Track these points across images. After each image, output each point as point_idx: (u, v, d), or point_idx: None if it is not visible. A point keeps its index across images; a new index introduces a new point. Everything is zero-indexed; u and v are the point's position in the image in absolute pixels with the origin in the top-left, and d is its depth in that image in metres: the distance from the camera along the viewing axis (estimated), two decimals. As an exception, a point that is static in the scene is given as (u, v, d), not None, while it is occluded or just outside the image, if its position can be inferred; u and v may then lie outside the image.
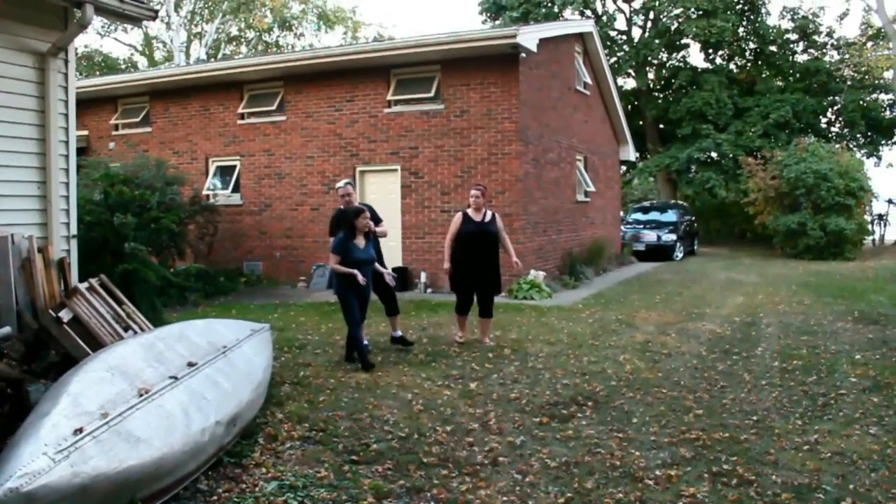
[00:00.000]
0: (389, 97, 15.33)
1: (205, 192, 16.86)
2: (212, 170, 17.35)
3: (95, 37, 42.04)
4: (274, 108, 16.53)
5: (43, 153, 6.63)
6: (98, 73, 35.43)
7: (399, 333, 9.22)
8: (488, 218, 9.19)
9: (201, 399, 4.76)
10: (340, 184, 9.23)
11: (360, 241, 8.09)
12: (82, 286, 6.38)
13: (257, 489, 4.69)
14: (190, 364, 5.14)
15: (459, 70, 14.64)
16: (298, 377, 7.53)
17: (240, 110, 16.87)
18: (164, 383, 4.65)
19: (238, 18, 38.18)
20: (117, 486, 3.73)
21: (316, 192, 16.04)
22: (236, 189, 17.02)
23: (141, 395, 4.35)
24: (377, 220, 8.84)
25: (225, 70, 16.85)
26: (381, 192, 15.49)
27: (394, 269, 14.83)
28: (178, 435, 4.21)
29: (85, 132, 18.37)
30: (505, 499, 4.66)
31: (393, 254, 15.25)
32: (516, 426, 6.08)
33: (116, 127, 18.49)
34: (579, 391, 7.16)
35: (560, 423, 6.18)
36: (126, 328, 6.42)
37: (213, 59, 33.80)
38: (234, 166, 17.06)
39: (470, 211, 9.18)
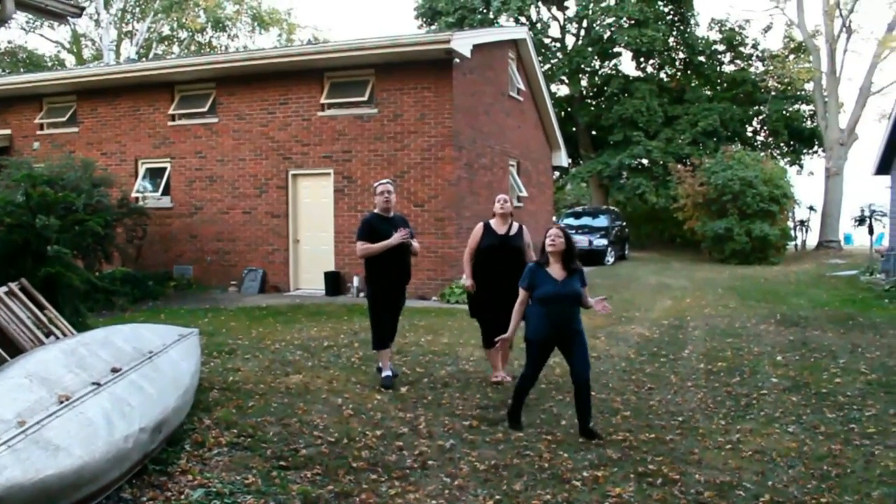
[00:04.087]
0: (323, 100, 15.25)
1: (134, 195, 16.53)
2: (141, 172, 17.01)
3: (19, 32, 40.86)
4: (206, 109, 16.29)
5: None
6: (22, 70, 34.42)
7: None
8: (514, 230, 7.74)
9: (125, 405, 4.66)
10: (383, 182, 7.80)
11: (556, 270, 6.09)
12: (1, 290, 6.20)
13: (183, 497, 4.61)
14: (114, 370, 5.03)
15: (393, 74, 14.64)
16: (227, 382, 7.43)
17: (170, 111, 16.59)
18: (85, 390, 4.54)
19: (170, 18, 37.48)
20: (34, 496, 3.63)
21: (248, 195, 15.85)
22: (166, 192, 16.72)
23: (61, 403, 4.24)
24: (411, 234, 7.69)
25: (156, 70, 16.54)
26: (314, 197, 15.42)
27: (325, 274, 14.89)
28: (100, 443, 4.12)
29: (7, 131, 17.88)
30: (434, 502, 4.68)
31: (325, 258, 15.21)
32: (446, 430, 6.11)
33: (41, 126, 17.99)
34: (510, 395, 7.19)
35: (490, 426, 6.23)
36: (48, 334, 6.26)
37: (143, 59, 33.13)
38: (165, 168, 16.75)
39: (493, 221, 7.72)
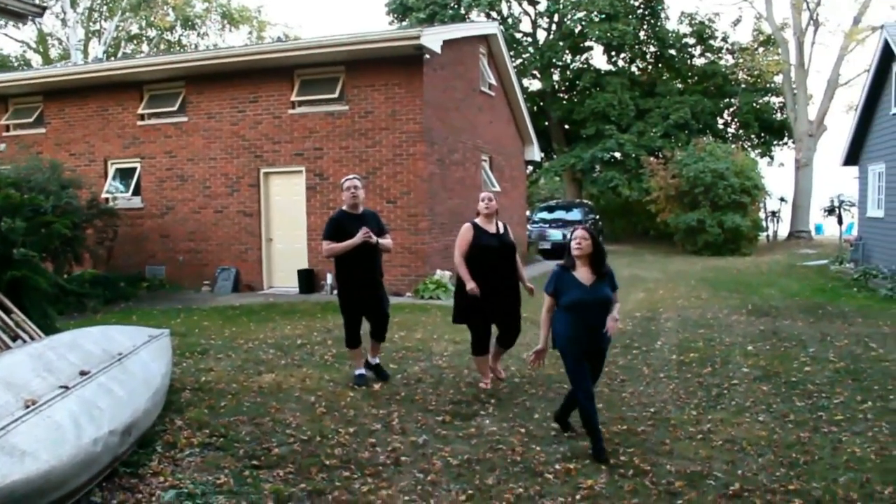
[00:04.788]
0: (293, 98, 15.18)
1: (104, 196, 16.35)
2: (111, 172, 16.83)
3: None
4: (175, 108, 16.16)
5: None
6: (-13, 70, 33.95)
7: (377, 360, 7.85)
8: (503, 229, 7.42)
9: (94, 408, 4.62)
10: (350, 177, 7.57)
11: (584, 274, 5.64)
12: (-33, 294, 6.13)
13: (154, 499, 4.59)
14: (82, 373, 4.99)
15: (364, 71, 14.60)
16: (200, 383, 7.40)
17: (140, 111, 16.43)
18: (53, 394, 4.50)
19: (139, 16, 37.15)
20: (1, 502, 3.60)
21: (220, 194, 15.76)
22: (137, 192, 16.57)
23: (27, 407, 4.20)
24: (382, 230, 7.56)
25: (124, 69, 16.35)
26: (286, 194, 15.36)
27: (299, 272, 14.83)
28: (67, 447, 4.08)
29: (-27, 133, 17.64)
30: (406, 498, 4.69)
31: (298, 256, 15.16)
32: (419, 425, 6.12)
33: (7, 128, 17.75)
34: (482, 389, 7.24)
35: (463, 420, 6.25)
36: (14, 338, 6.18)
37: (112, 58, 32.77)
38: (135, 168, 16.60)
39: (480, 221, 7.32)
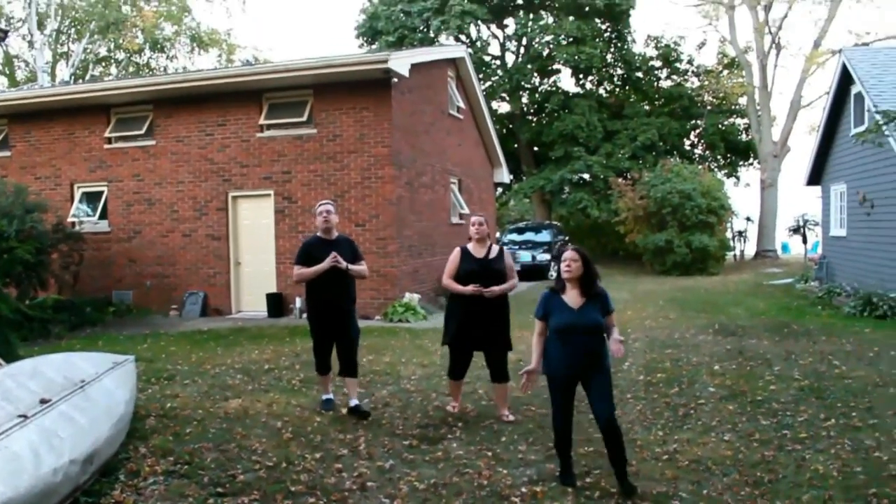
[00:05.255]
0: (262, 121, 15.17)
1: (70, 220, 16.18)
2: (77, 196, 16.68)
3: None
4: (143, 132, 16.08)
5: None
6: (-48, 94, 33.51)
7: (355, 401, 7.37)
8: (494, 254, 7.21)
9: (54, 437, 4.56)
10: (323, 202, 7.44)
11: (573, 297, 5.38)
12: (-74, 322, 6.03)
13: (115, 528, 4.53)
14: (43, 401, 4.93)
15: (332, 94, 14.64)
16: (165, 409, 7.32)
17: (107, 134, 16.33)
18: (11, 423, 4.43)
19: (107, 38, 36.90)
20: (-44, 533, 3.54)
21: (187, 217, 15.66)
22: (104, 216, 16.42)
23: (-15, 437, 4.14)
24: (357, 256, 7.37)
25: (90, 92, 16.26)
26: (255, 218, 15.30)
27: (268, 296, 14.76)
28: (25, 477, 4.02)
29: (-65, 157, 17.40)
30: (372, 524, 4.67)
31: (267, 279, 15.09)
32: (386, 450, 6.09)
33: (-28, 151, 17.56)
34: (450, 412, 7.23)
35: (430, 444, 6.23)
36: (-25, 366, 6.10)
37: (80, 81, 32.55)
38: (102, 192, 16.47)
39: (471, 246, 7.22)
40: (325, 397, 7.46)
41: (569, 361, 5.24)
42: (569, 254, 5.39)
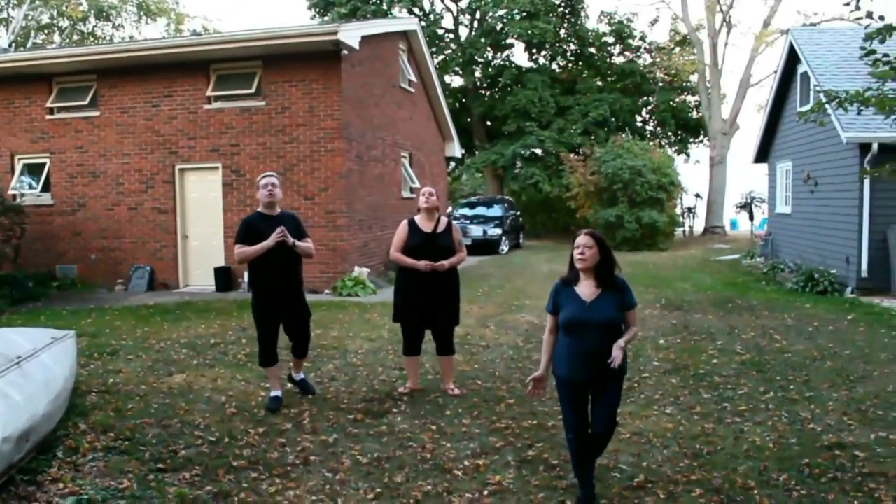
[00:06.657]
0: (209, 93, 14.90)
1: (10, 192, 15.76)
2: (18, 168, 16.25)
3: None
4: (86, 102, 15.68)
5: None
6: None
7: (301, 375, 7.22)
8: (442, 227, 7.01)
9: (-13, 414, 4.47)
10: (267, 174, 6.82)
11: (586, 288, 4.51)
12: None
13: (52, 506, 4.47)
14: (-24, 378, 4.82)
15: (281, 66, 14.43)
16: (107, 385, 7.22)
17: (48, 104, 15.90)
18: (-58, 400, 4.34)
19: (50, 5, 35.83)
20: None
21: (133, 190, 15.37)
22: (46, 188, 16.03)
23: (-86, 414, 4.04)
24: (302, 233, 6.78)
25: (32, 60, 15.78)
26: (202, 191, 15.09)
27: (216, 270, 14.59)
28: (-44, 454, 3.94)
29: None
30: (314, 498, 4.66)
31: (215, 253, 14.92)
32: (330, 424, 6.08)
33: None
34: (396, 387, 7.24)
35: (374, 419, 6.24)
36: None
37: (20, 49, 31.61)
38: (44, 164, 16.06)
39: (419, 218, 7.02)
40: (273, 394, 6.74)
41: (576, 363, 4.45)
42: (582, 238, 4.50)
